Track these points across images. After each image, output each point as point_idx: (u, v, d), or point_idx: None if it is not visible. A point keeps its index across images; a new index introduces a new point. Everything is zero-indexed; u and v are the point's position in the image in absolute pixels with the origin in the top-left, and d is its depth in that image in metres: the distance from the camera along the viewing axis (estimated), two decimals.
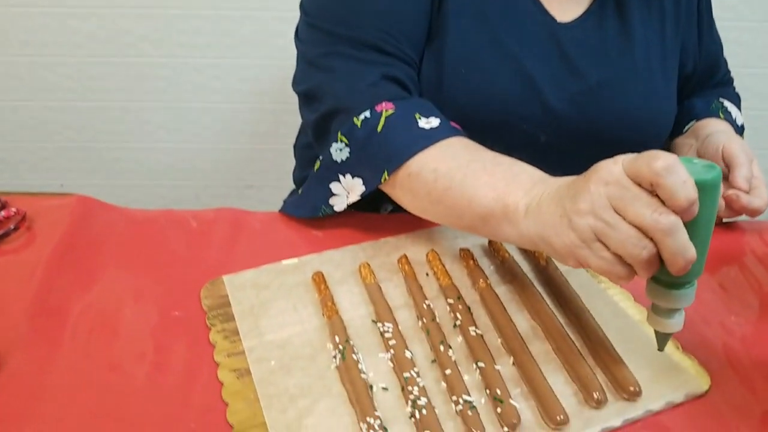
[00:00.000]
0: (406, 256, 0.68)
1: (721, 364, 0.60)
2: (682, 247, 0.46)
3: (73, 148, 1.74)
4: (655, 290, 0.52)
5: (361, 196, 0.70)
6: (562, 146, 0.77)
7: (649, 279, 0.52)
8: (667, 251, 0.47)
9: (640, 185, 0.47)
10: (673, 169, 0.46)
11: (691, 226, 0.47)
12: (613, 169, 0.49)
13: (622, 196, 0.48)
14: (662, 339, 0.56)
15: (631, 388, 0.54)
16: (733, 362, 0.60)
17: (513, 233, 0.57)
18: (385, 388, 0.55)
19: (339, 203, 0.71)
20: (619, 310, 0.64)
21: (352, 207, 0.73)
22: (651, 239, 0.47)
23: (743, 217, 0.76)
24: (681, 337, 0.61)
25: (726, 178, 0.74)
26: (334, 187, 0.71)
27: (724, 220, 0.77)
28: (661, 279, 0.51)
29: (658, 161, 0.46)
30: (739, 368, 0.60)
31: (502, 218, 0.57)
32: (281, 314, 0.62)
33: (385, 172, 0.66)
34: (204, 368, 0.57)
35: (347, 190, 0.70)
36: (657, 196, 0.47)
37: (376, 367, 0.57)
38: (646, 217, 0.46)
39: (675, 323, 0.54)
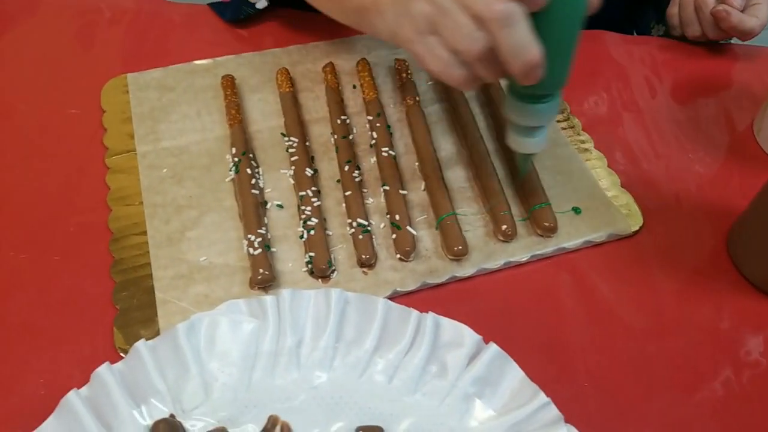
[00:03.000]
0: (332, 64, 0.60)
1: (663, 205, 0.54)
2: (519, 44, 0.37)
3: None
4: (510, 103, 0.45)
5: None
6: None
7: (507, 90, 0.44)
8: (502, 48, 0.38)
9: None
10: None
11: (543, 21, 0.38)
12: None
13: None
14: (523, 161, 0.49)
15: (546, 224, 0.50)
16: (678, 205, 0.54)
17: (385, 30, 0.47)
18: (279, 206, 0.51)
19: None
20: (560, 137, 0.57)
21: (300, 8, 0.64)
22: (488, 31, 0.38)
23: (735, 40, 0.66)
24: (624, 171, 0.55)
25: None
26: None
27: (713, 40, 0.66)
28: (516, 90, 0.43)
29: None
30: (681, 211, 0.54)
31: (373, 10, 0.47)
32: (183, 120, 0.57)
33: None
34: (93, 171, 0.53)
35: None
36: None
37: (275, 184, 0.53)
38: (479, 1, 0.37)
39: (534, 143, 0.46)
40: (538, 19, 0.38)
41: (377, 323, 0.38)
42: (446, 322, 0.38)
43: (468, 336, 0.38)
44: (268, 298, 0.39)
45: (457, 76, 0.41)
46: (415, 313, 0.39)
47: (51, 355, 0.43)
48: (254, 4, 0.62)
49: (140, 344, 0.37)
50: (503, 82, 0.43)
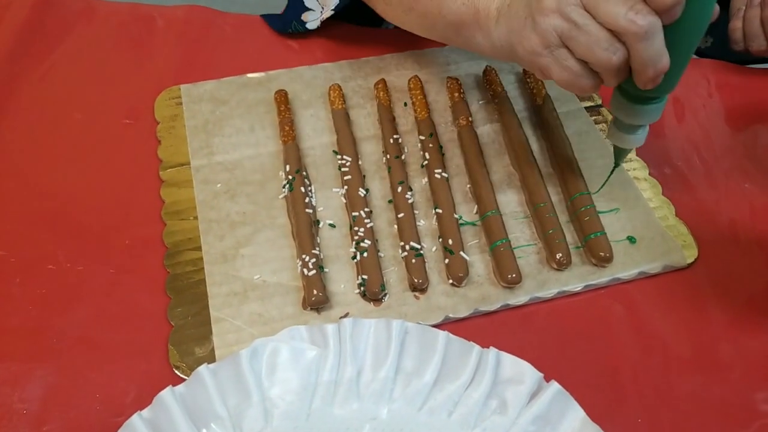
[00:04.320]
0: (384, 81, 0.60)
1: (717, 237, 0.53)
2: (655, 54, 0.39)
3: None
4: (619, 103, 0.46)
5: (336, 9, 0.61)
6: None
7: (615, 90, 0.46)
8: (638, 58, 0.40)
9: None
10: None
11: (671, 31, 0.39)
12: None
13: None
14: (620, 154, 0.51)
15: (602, 254, 0.49)
16: (733, 235, 0.53)
17: (485, 43, 0.49)
18: (332, 225, 0.51)
19: (312, 20, 0.62)
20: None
21: (350, 22, 0.65)
22: (623, 43, 0.40)
23: None
24: (678, 200, 0.54)
25: None
26: None
27: None
28: (628, 91, 0.44)
29: None
30: (737, 243, 0.53)
31: (474, 26, 0.49)
32: (236, 134, 0.57)
33: None
34: (148, 183, 0.54)
35: (321, 4, 0.62)
36: None
37: (327, 202, 0.53)
38: (620, 16, 0.38)
39: (636, 139, 0.48)
40: (668, 30, 0.39)
41: (438, 356, 0.38)
42: (507, 358, 0.38)
43: (529, 373, 0.38)
44: (330, 327, 0.39)
45: (585, 85, 0.43)
46: (476, 347, 0.39)
47: (107, 369, 0.44)
48: (305, 23, 0.62)
49: (203, 368, 0.37)
50: None
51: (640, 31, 0.38)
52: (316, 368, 0.38)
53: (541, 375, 0.38)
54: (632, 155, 0.57)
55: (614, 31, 0.39)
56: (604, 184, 0.53)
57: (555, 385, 0.37)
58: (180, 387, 0.37)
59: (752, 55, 0.64)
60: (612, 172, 0.52)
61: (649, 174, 0.56)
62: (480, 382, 0.37)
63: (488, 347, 0.39)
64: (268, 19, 0.67)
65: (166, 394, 0.36)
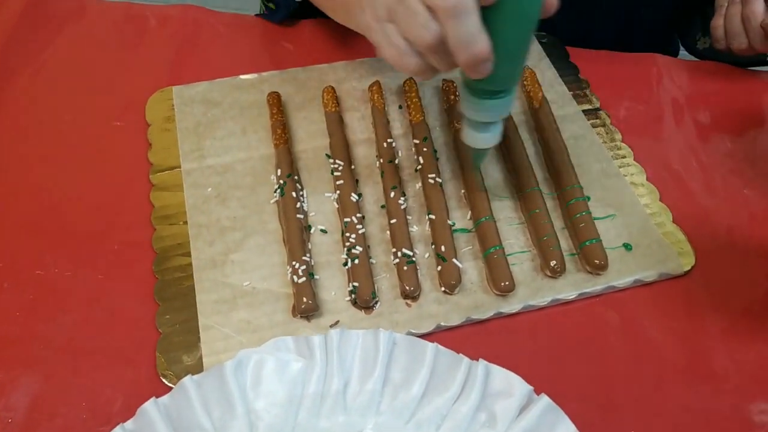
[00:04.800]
0: (378, 83, 0.59)
1: (715, 244, 0.53)
2: (468, 36, 0.38)
3: None
4: (464, 98, 0.45)
5: None
6: None
7: (462, 86, 0.45)
8: (450, 38, 0.39)
9: None
10: None
11: (494, 16, 0.38)
12: None
13: None
14: (476, 156, 0.49)
15: (596, 261, 0.48)
16: (731, 242, 0.53)
17: (363, 24, 0.47)
18: (323, 231, 0.51)
19: None
20: (612, 168, 0.56)
21: None
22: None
23: None
24: (675, 205, 0.54)
25: None
26: None
27: (761, 54, 0.63)
28: (470, 84, 0.43)
29: None
30: (734, 250, 0.52)
31: (356, 5, 0.47)
32: (228, 137, 0.56)
33: None
34: (138, 187, 0.53)
35: None
36: None
37: (319, 207, 0.52)
38: None
39: (486, 138, 0.46)
40: (490, 15, 0.38)
41: (426, 368, 0.37)
42: (497, 370, 0.38)
43: (518, 386, 0.37)
44: (317, 338, 0.38)
45: (411, 65, 0.42)
46: (465, 360, 0.38)
47: (93, 377, 0.43)
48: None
49: (187, 380, 0.37)
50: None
51: (447, 7, 0.37)
52: (301, 380, 0.37)
53: (531, 388, 0.38)
54: (629, 160, 0.57)
55: (430, 7, 0.38)
56: (479, 175, 0.52)
57: (545, 399, 0.37)
58: (164, 398, 0.37)
59: (735, 54, 0.63)
60: (479, 174, 0.51)
61: (647, 179, 0.55)
62: (469, 395, 0.37)
63: (478, 359, 0.39)
64: (266, 17, 0.66)
65: (150, 405, 0.36)
